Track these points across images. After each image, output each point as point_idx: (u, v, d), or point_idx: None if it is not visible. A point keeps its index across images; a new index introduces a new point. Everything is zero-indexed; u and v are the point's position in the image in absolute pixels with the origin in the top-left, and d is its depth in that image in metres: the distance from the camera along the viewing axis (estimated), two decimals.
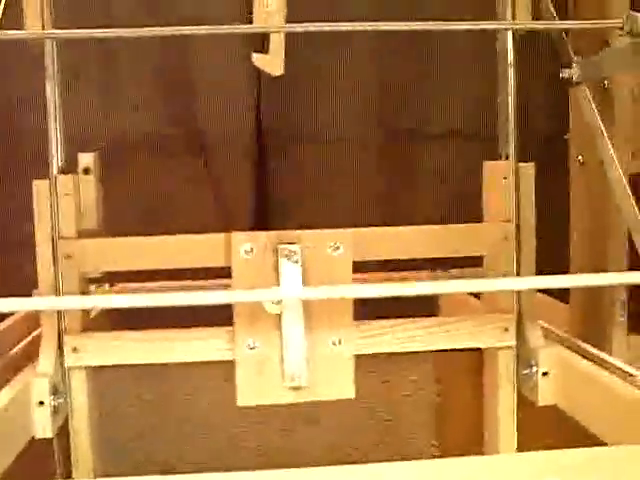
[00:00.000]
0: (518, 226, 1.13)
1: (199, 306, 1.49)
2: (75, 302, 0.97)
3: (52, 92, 1.07)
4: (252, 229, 1.62)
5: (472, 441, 1.49)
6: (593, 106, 1.08)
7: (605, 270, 1.22)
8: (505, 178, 1.14)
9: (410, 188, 1.66)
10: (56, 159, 1.08)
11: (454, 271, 1.54)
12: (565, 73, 1.12)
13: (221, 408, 1.50)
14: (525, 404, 1.17)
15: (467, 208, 1.22)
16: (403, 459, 1.61)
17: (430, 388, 1.63)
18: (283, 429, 1.61)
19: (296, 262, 1.06)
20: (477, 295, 1.44)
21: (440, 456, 1.65)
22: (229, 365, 1.10)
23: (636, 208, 1.01)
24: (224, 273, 1.10)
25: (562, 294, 1.34)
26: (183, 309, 1.56)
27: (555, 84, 1.18)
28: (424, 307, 1.53)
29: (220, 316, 1.08)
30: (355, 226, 1.14)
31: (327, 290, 0.93)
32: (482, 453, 1.27)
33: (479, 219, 1.19)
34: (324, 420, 1.61)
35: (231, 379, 1.10)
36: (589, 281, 0.87)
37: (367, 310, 1.11)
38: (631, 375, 1.01)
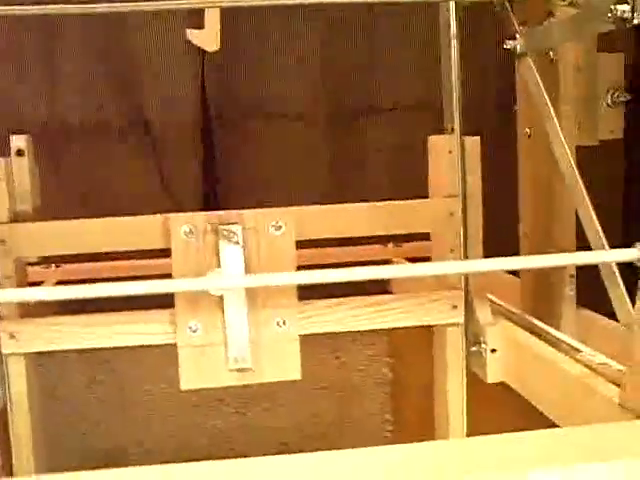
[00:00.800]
0: (465, 202, 1.12)
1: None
2: (11, 294, 0.93)
3: None
4: (200, 209, 1.59)
5: (425, 417, 1.49)
6: (538, 78, 1.06)
7: (554, 244, 1.21)
8: (450, 152, 1.12)
9: (358, 164, 1.64)
10: None
11: (405, 245, 1.53)
12: (509, 44, 1.10)
13: (166, 391, 1.49)
14: (474, 380, 1.16)
15: (415, 184, 1.21)
16: (357, 435, 1.63)
17: (383, 363, 1.62)
18: (237, 409, 1.60)
19: (237, 243, 1.03)
20: None
21: (393, 431, 1.65)
22: (173, 347, 1.08)
23: (581, 181, 1.00)
24: (164, 254, 1.07)
25: None
26: (126, 299, 1.54)
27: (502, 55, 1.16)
28: (376, 281, 1.52)
29: (161, 297, 1.05)
30: (302, 203, 1.12)
31: (268, 277, 0.91)
32: (433, 428, 1.26)
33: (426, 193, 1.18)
34: (277, 398, 1.60)
35: (175, 362, 1.08)
36: (538, 262, 0.86)
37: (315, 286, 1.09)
38: (578, 350, 1.00)
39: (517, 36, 1.08)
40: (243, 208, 1.60)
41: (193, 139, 1.59)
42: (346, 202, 1.62)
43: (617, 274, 0.89)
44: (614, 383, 0.88)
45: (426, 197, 1.17)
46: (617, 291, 0.90)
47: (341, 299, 1.10)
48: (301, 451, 1.63)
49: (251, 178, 1.63)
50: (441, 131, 1.17)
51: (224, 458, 1.61)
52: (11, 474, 1.11)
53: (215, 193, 1.62)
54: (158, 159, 1.59)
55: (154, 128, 1.58)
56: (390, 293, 1.50)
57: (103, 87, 1.56)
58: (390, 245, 1.54)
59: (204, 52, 1.36)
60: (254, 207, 1.58)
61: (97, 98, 1.56)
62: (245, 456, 1.62)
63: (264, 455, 1.62)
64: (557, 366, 0.98)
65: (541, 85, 1.06)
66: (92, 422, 1.52)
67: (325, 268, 1.42)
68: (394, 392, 1.63)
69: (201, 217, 1.04)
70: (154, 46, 1.54)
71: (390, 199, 1.16)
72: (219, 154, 1.61)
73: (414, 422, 1.56)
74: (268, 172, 1.63)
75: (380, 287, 1.51)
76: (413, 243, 1.52)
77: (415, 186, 1.25)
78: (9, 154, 1.12)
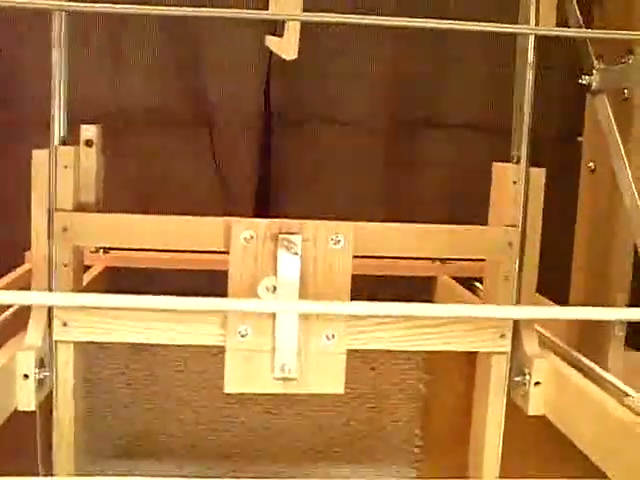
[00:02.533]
0: (524, 232, 1.11)
1: (196, 283, 1.48)
2: (65, 299, 0.95)
3: (58, 61, 1.04)
4: (254, 209, 1.60)
5: (456, 435, 1.49)
6: (611, 116, 1.05)
7: (608, 283, 1.20)
8: (515, 182, 1.11)
9: (415, 179, 1.63)
10: (58, 129, 1.06)
11: (452, 265, 1.52)
12: (585, 80, 1.09)
13: (208, 388, 1.50)
14: (513, 409, 1.16)
15: (472, 206, 1.20)
16: (386, 447, 1.63)
17: (418, 378, 1.62)
18: (269, 409, 1.60)
19: (295, 254, 1.04)
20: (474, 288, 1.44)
21: (422, 447, 1.65)
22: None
23: None
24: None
25: (561, 297, 1.32)
26: (180, 284, 1.55)
27: (569, 85, 1.15)
28: (421, 290, 1.52)
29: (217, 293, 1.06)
30: (355, 213, 1.12)
31: (321, 305, 0.91)
32: (465, 453, 1.26)
33: (483, 219, 1.18)
34: (309, 402, 1.61)
35: (221, 361, 1.09)
36: (589, 314, 0.85)
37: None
38: (627, 395, 0.99)
39: (594, 72, 1.08)
40: (293, 210, 1.63)
41: (252, 137, 1.59)
42: (398, 214, 1.63)
43: None
44: None
45: (479, 220, 1.17)
46: None
47: (391, 317, 1.10)
48: (326, 457, 1.64)
49: (305, 181, 1.63)
50: (502, 155, 1.16)
51: (249, 457, 1.63)
52: (50, 458, 1.12)
53: (268, 192, 1.63)
54: (216, 153, 1.60)
55: (215, 122, 1.59)
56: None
57: (168, 79, 1.56)
58: (437, 262, 1.54)
59: (271, 54, 1.36)
60: (304, 210, 1.60)
61: (161, 89, 1.56)
62: (270, 457, 1.64)
63: (289, 457, 1.63)
64: (602, 407, 0.98)
65: (613, 122, 1.05)
66: (126, 409, 1.54)
67: (369, 278, 1.44)
68: (426, 408, 1.63)
69: (262, 224, 1.05)
70: (222, 41, 1.55)
71: (441, 219, 1.16)
72: (276, 154, 1.61)
73: (444, 440, 1.56)
74: (322, 177, 1.63)
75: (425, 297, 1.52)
76: (461, 263, 1.52)
77: (468, 207, 1.25)
78: (76, 142, 1.13)
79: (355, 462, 1.64)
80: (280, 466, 1.63)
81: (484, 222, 1.17)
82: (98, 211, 1.13)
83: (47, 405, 1.10)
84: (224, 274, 1.06)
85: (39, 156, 1.04)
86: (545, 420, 1.09)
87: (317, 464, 1.64)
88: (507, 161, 1.15)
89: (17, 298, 0.89)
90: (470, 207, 1.23)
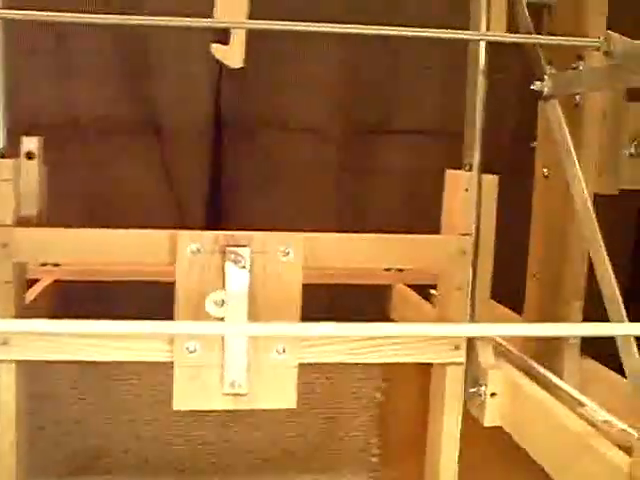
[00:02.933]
0: (477, 240, 1.10)
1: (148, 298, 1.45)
2: (9, 325, 0.91)
3: None
4: (205, 217, 1.57)
5: (413, 444, 1.47)
6: (563, 122, 1.04)
7: (563, 289, 1.19)
8: (467, 190, 1.10)
9: (369, 185, 1.62)
10: None
11: (408, 272, 1.50)
12: (536, 86, 1.08)
13: (161, 401, 1.47)
14: (469, 419, 1.14)
15: (428, 213, 1.18)
16: (343, 456, 1.61)
17: (374, 387, 1.60)
18: (222, 422, 1.57)
19: (243, 267, 1.01)
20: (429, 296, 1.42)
21: (380, 455, 1.63)
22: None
23: (597, 228, 0.98)
24: None
25: (514, 303, 1.31)
26: (130, 295, 1.52)
27: (523, 90, 1.14)
28: (376, 302, 1.50)
29: (163, 311, 1.03)
30: (309, 219, 1.09)
31: (271, 327, 0.88)
32: (422, 461, 1.24)
33: (437, 223, 1.16)
34: (263, 414, 1.58)
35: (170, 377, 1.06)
36: (546, 331, 0.84)
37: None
38: (581, 404, 0.98)
39: (545, 78, 1.06)
40: (245, 217, 1.61)
41: (203, 144, 1.56)
42: (353, 221, 1.61)
43: (633, 341, 0.87)
44: (618, 445, 0.87)
45: (436, 227, 1.15)
46: (628, 347, 0.88)
47: (342, 329, 1.07)
48: (283, 468, 1.62)
49: (257, 188, 1.61)
50: (456, 161, 1.15)
51: (204, 471, 1.60)
52: None
53: (220, 200, 1.60)
54: (166, 161, 1.57)
55: (165, 130, 1.56)
56: (388, 315, 1.49)
57: (116, 85, 1.53)
58: (393, 270, 1.52)
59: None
60: (258, 218, 1.58)
61: (109, 96, 1.53)
62: (225, 470, 1.61)
63: (245, 470, 1.60)
64: (557, 417, 0.96)
65: (565, 129, 1.04)
66: (76, 425, 1.50)
67: (325, 287, 1.42)
68: (383, 416, 1.61)
69: (209, 237, 1.02)
70: (172, 47, 1.52)
71: (397, 225, 1.14)
72: (227, 162, 1.59)
73: (402, 449, 1.54)
74: (276, 184, 1.61)
75: (381, 308, 1.50)
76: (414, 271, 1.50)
77: (424, 214, 1.23)
78: (17, 154, 1.09)
79: (312, 473, 1.62)
80: (236, 479, 1.60)
81: (437, 229, 1.16)
82: (40, 225, 1.09)
83: None
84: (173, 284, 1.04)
85: None
86: (502, 430, 1.08)
87: (273, 476, 1.61)
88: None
89: None
90: (426, 214, 1.21)
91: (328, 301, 1.58)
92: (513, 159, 1.52)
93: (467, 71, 1.12)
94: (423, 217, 1.17)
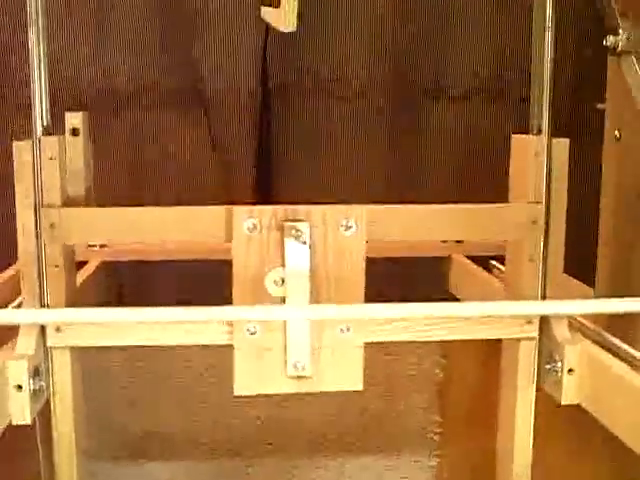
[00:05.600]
0: (548, 209, 1.03)
1: (199, 277, 1.41)
2: (55, 315, 0.87)
3: (36, 41, 0.95)
4: (254, 188, 1.52)
5: (476, 421, 1.42)
6: None
7: (637, 259, 1.12)
8: (536, 155, 1.03)
9: (422, 151, 1.55)
10: (40, 118, 0.96)
11: (467, 244, 1.44)
12: (609, 40, 1.01)
13: (216, 383, 1.43)
14: (541, 399, 1.09)
15: (485, 177, 1.12)
16: (403, 435, 1.56)
17: (434, 363, 1.55)
18: (280, 400, 1.53)
19: (304, 243, 0.96)
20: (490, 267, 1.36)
21: (440, 434, 1.58)
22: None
23: None
24: None
25: (586, 275, 1.24)
26: (182, 282, 1.48)
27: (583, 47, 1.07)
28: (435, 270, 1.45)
29: (221, 293, 0.98)
30: (362, 186, 1.04)
31: (336, 310, 0.83)
32: (487, 439, 1.19)
33: (495, 192, 1.09)
34: (320, 393, 1.53)
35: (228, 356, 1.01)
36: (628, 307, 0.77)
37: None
38: None
39: (620, 32, 0.99)
40: (295, 185, 1.55)
41: (250, 111, 1.51)
42: (405, 188, 1.55)
43: None
44: None
45: (490, 194, 1.09)
46: None
47: (407, 305, 1.02)
48: (341, 448, 1.57)
49: (306, 155, 1.55)
50: (515, 122, 1.08)
51: (261, 451, 1.56)
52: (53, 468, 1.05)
53: (269, 168, 1.55)
54: (213, 129, 1.51)
55: (210, 97, 1.51)
56: (446, 288, 1.43)
57: (159, 52, 1.48)
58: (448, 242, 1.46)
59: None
60: (307, 185, 1.52)
61: (152, 64, 1.48)
62: (283, 450, 1.57)
63: (302, 450, 1.56)
64: None
65: None
66: (131, 408, 1.46)
67: (379, 260, 1.36)
68: (444, 393, 1.55)
69: (267, 212, 0.97)
70: (217, 10, 1.46)
71: (449, 191, 1.08)
72: (275, 129, 1.53)
73: (464, 426, 1.49)
74: (324, 150, 1.55)
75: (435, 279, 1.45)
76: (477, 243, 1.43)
77: (480, 180, 1.17)
78: (61, 130, 1.05)
79: (371, 452, 1.57)
80: (293, 459, 1.56)
81: (496, 195, 1.09)
82: (89, 205, 1.04)
83: (46, 414, 1.03)
84: (229, 261, 0.99)
85: (21, 148, 0.95)
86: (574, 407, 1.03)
87: (331, 456, 1.57)
88: (525, 131, 1.06)
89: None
90: (483, 182, 1.15)
91: (382, 273, 1.53)
92: (572, 122, 1.45)
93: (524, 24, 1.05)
94: (479, 184, 1.11)
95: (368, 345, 1.02)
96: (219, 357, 1.06)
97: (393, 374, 1.54)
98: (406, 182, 1.56)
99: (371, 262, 1.02)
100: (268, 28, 1.44)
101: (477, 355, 1.38)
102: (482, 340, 1.10)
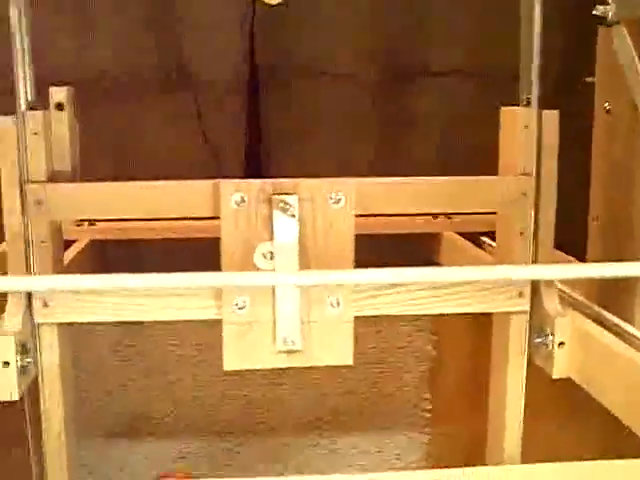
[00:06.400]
0: (538, 181, 1.03)
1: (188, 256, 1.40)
2: (43, 282, 0.86)
3: (18, 14, 0.94)
4: (244, 171, 1.51)
5: (467, 398, 1.42)
6: (632, 48, 0.96)
7: (627, 231, 1.12)
8: (526, 127, 1.02)
9: (409, 129, 1.55)
10: (24, 93, 0.95)
11: (457, 220, 1.43)
12: (599, 10, 1.00)
13: (206, 361, 1.42)
14: (533, 372, 1.08)
15: (464, 155, 1.12)
16: (394, 413, 1.56)
17: (426, 339, 1.54)
18: (269, 378, 1.53)
19: (292, 216, 0.95)
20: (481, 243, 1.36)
21: (431, 411, 1.58)
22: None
23: None
24: None
25: (575, 250, 1.24)
26: (168, 255, 1.47)
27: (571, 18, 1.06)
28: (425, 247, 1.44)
29: (207, 265, 0.97)
30: (348, 165, 1.03)
31: (324, 275, 0.82)
32: (478, 416, 1.19)
33: (481, 167, 1.08)
34: (313, 370, 1.53)
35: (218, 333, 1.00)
36: (619, 271, 0.77)
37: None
38: None
39: (609, 1, 0.99)
40: (283, 167, 1.55)
41: (237, 94, 1.50)
42: (392, 167, 1.55)
43: None
44: None
45: (475, 169, 1.08)
46: None
47: (398, 271, 1.01)
48: (332, 426, 1.57)
49: (295, 137, 1.55)
50: (501, 99, 1.07)
51: (252, 430, 1.55)
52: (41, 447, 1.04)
53: (258, 151, 1.54)
54: (200, 113, 1.50)
55: (197, 81, 1.50)
56: (437, 264, 1.43)
57: (143, 36, 1.46)
58: (440, 217, 1.45)
59: (254, 4, 1.27)
60: (295, 167, 1.52)
61: (137, 48, 1.46)
62: (273, 430, 1.57)
63: (293, 429, 1.56)
64: (634, 365, 0.90)
65: (635, 55, 0.96)
66: (120, 388, 1.45)
67: (367, 236, 1.36)
68: (435, 370, 1.55)
69: (255, 185, 0.96)
70: None
71: (435, 167, 1.07)
72: (264, 112, 1.52)
73: (455, 403, 1.49)
74: (312, 132, 1.55)
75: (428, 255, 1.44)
76: (464, 215, 1.43)
77: (467, 157, 1.16)
78: (46, 106, 1.03)
79: (362, 430, 1.57)
80: (284, 438, 1.56)
81: (481, 171, 1.08)
82: (74, 181, 1.03)
83: (34, 392, 1.02)
84: (217, 240, 0.98)
85: (5, 123, 0.94)
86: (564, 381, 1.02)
87: (323, 434, 1.56)
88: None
89: None
90: (468, 159, 1.14)
91: (373, 249, 1.52)
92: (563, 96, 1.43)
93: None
94: (464, 159, 1.10)
95: (358, 322, 1.02)
96: (209, 336, 1.04)
97: (384, 350, 1.53)
98: (393, 161, 1.56)
99: (361, 239, 1.01)
100: (254, 11, 1.44)
101: (468, 332, 1.38)
102: (473, 316, 1.09)
